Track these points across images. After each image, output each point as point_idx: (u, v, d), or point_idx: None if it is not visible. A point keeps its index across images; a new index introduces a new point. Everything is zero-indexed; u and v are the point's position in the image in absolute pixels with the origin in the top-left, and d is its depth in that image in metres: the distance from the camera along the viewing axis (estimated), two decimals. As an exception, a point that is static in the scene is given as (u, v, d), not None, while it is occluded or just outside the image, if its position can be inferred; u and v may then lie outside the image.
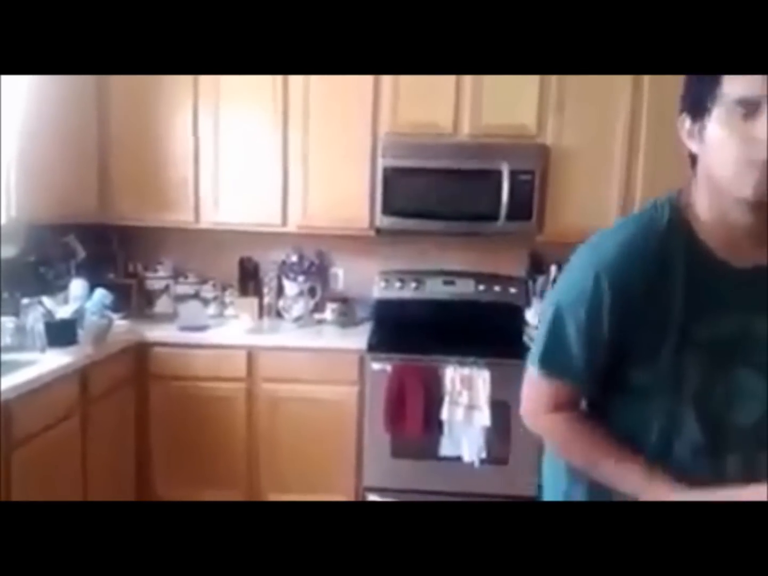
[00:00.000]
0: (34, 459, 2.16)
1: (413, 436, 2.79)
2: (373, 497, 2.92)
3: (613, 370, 1.10)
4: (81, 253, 3.19)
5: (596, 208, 3.10)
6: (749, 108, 0.94)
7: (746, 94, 0.95)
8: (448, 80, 3.05)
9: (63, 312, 2.62)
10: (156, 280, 3.43)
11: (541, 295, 3.27)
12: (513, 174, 2.99)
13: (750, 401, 1.04)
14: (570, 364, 1.11)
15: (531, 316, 3.23)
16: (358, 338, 2.98)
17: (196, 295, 3.45)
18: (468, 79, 3.05)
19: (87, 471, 2.51)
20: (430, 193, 3.04)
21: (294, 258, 3.41)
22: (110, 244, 3.42)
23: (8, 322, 2.53)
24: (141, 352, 2.98)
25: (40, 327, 2.48)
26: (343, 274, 3.53)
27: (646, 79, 3.01)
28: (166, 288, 3.43)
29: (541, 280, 3.31)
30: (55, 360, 2.36)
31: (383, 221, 3.08)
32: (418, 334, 3.06)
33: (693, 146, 1.06)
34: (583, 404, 1.22)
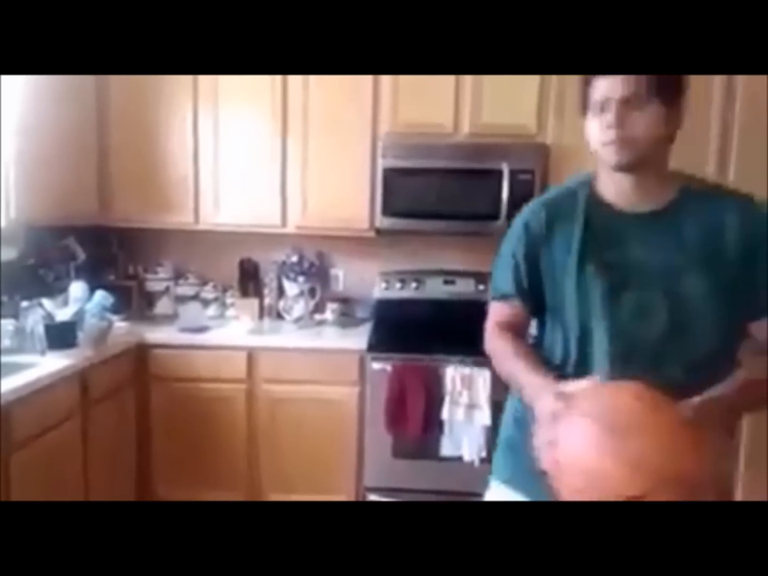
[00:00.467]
0: (35, 461, 2.16)
1: (414, 436, 2.79)
2: (373, 497, 2.91)
3: (536, 295, 1.41)
4: (81, 255, 3.19)
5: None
6: (604, 105, 1.27)
7: (600, 95, 1.29)
8: (448, 80, 3.04)
9: (63, 314, 2.62)
10: (156, 282, 3.43)
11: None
12: (513, 173, 2.99)
13: (647, 318, 1.27)
14: (507, 288, 1.44)
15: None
16: (358, 338, 2.98)
17: (196, 297, 3.45)
18: (468, 79, 3.04)
19: (88, 473, 2.50)
20: (430, 193, 3.03)
21: (294, 259, 3.41)
22: (110, 245, 3.41)
23: (8, 324, 2.53)
24: (141, 353, 2.97)
25: (40, 329, 2.48)
26: (343, 275, 3.53)
27: (646, 77, 3.01)
28: (167, 289, 3.43)
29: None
30: (55, 362, 2.36)
31: (383, 221, 3.08)
32: (418, 333, 3.06)
33: (587, 132, 1.35)
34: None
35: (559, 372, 1.30)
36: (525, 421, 1.34)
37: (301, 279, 3.38)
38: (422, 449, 2.83)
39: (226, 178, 3.21)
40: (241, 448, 3.00)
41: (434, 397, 2.77)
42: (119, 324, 2.95)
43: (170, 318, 3.33)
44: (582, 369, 1.29)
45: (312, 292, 3.38)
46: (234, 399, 2.98)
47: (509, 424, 1.51)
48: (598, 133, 1.29)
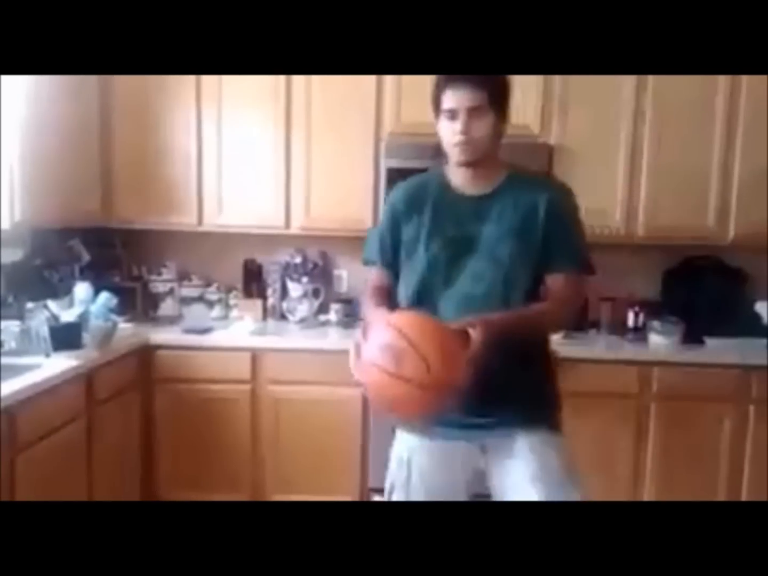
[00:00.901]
0: (40, 462, 2.16)
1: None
2: (378, 498, 2.91)
3: (397, 261, 1.72)
4: (85, 257, 3.19)
5: (600, 208, 3.08)
6: (452, 113, 1.58)
7: (449, 106, 1.59)
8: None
9: (68, 315, 2.62)
10: (160, 283, 3.43)
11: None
12: (516, 174, 2.98)
13: (479, 279, 1.61)
14: (374, 257, 1.80)
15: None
16: (362, 339, 2.97)
17: (200, 298, 3.45)
18: (470, 79, 3.04)
19: (92, 474, 2.51)
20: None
21: (297, 259, 3.41)
22: (114, 247, 3.42)
23: (13, 325, 2.53)
24: (146, 354, 2.98)
25: (45, 331, 2.49)
26: (346, 276, 3.53)
27: (650, 78, 3.01)
28: (171, 291, 3.43)
29: (545, 279, 3.30)
30: (60, 363, 2.36)
31: (387, 222, 3.07)
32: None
33: (439, 132, 1.65)
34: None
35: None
36: None
37: (304, 280, 3.39)
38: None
39: (230, 180, 3.21)
40: (245, 448, 3.01)
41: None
42: (124, 325, 2.95)
43: (174, 319, 3.33)
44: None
45: (316, 293, 3.38)
46: (238, 400, 2.99)
47: None
48: (448, 135, 1.61)
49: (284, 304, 3.41)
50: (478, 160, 1.61)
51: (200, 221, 3.25)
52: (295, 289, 3.39)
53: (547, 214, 1.62)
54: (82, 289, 2.75)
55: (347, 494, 2.96)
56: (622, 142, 3.06)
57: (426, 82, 3.00)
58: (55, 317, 2.58)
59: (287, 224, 3.22)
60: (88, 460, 2.49)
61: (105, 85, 3.15)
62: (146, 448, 3.01)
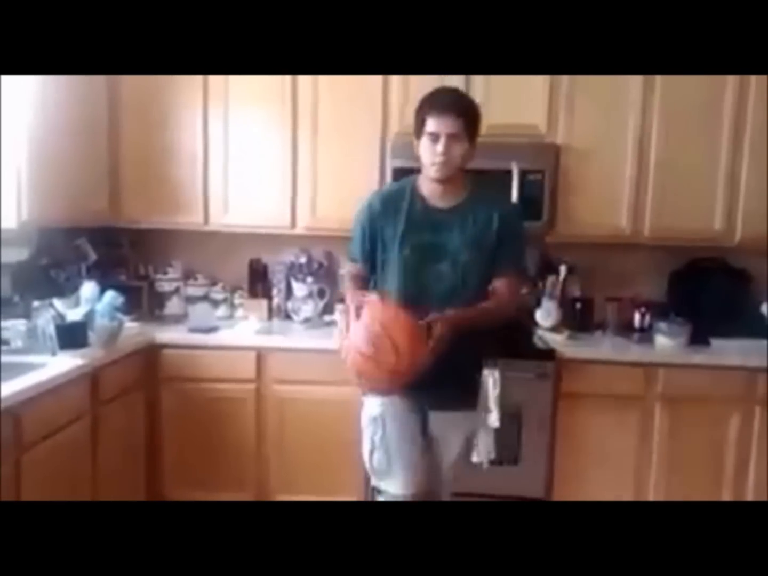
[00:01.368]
0: (45, 461, 2.17)
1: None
2: (382, 498, 2.90)
3: (375, 258, 2.02)
4: (92, 256, 3.20)
5: (607, 208, 3.08)
6: (434, 136, 1.88)
7: (432, 130, 1.88)
8: (457, 80, 3.02)
9: (74, 314, 2.63)
10: (166, 282, 3.44)
11: (551, 294, 3.26)
12: (523, 174, 2.98)
13: (442, 279, 1.94)
14: (357, 254, 2.07)
15: (540, 315, 3.21)
16: (367, 339, 2.97)
17: (205, 297, 3.46)
18: (477, 79, 3.03)
19: (97, 473, 2.51)
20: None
21: (303, 259, 3.41)
22: (121, 246, 3.43)
23: (20, 324, 2.54)
24: (151, 353, 2.99)
25: (51, 329, 2.49)
26: (352, 276, 3.52)
27: (658, 78, 2.99)
28: (177, 290, 3.43)
29: (551, 279, 3.29)
30: (66, 362, 2.37)
31: (392, 222, 3.07)
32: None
33: (417, 151, 1.96)
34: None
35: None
36: None
37: (309, 280, 3.39)
38: (431, 450, 2.82)
39: (236, 180, 3.22)
40: (249, 448, 3.01)
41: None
42: (129, 324, 2.96)
43: (180, 318, 3.34)
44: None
45: (321, 293, 3.38)
46: (243, 399, 2.99)
47: None
48: (429, 155, 1.91)
49: (289, 304, 3.41)
50: (449, 178, 1.93)
51: (206, 221, 3.26)
52: (300, 289, 3.39)
53: (499, 227, 1.95)
54: (88, 288, 2.75)
55: (351, 494, 2.95)
56: (629, 142, 3.05)
57: (433, 82, 3.01)
58: (61, 316, 2.59)
59: (293, 224, 3.22)
60: (94, 459, 2.50)
61: (112, 86, 3.16)
62: (151, 447, 3.01)
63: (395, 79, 3.07)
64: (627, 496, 2.92)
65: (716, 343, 3.03)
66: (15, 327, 2.52)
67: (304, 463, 2.98)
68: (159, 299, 3.43)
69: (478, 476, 2.78)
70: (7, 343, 2.48)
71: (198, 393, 3.00)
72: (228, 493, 2.95)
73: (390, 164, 3.04)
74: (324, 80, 3.10)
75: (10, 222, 2.55)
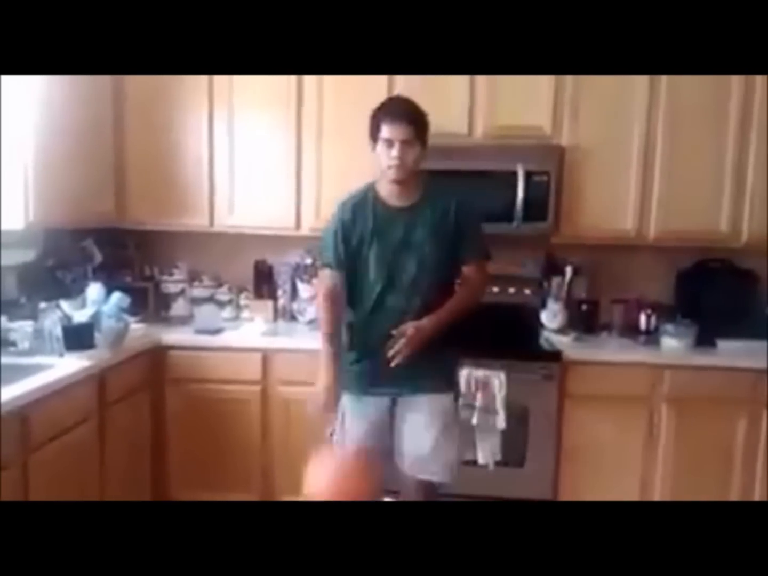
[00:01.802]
0: (52, 462, 2.17)
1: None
2: (388, 499, 2.90)
3: (347, 263, 2.17)
4: (98, 257, 3.22)
5: (612, 209, 3.08)
6: (389, 142, 2.06)
7: (387, 136, 2.06)
8: (462, 81, 3.04)
9: (80, 316, 2.64)
10: (172, 284, 3.45)
11: (557, 296, 3.25)
12: (528, 175, 2.98)
13: (406, 271, 2.12)
14: (330, 260, 2.21)
15: (546, 317, 3.21)
16: (372, 341, 2.97)
17: (211, 298, 3.47)
18: (482, 80, 3.04)
19: (104, 474, 2.52)
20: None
21: (308, 261, 3.41)
22: (127, 248, 3.44)
23: (26, 326, 2.55)
24: (157, 355, 2.99)
25: (58, 331, 2.50)
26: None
27: (663, 79, 2.99)
28: (182, 291, 3.44)
29: (556, 281, 3.29)
30: (72, 364, 2.38)
31: (397, 223, 3.07)
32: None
33: (375, 154, 2.13)
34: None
35: (360, 302, 2.18)
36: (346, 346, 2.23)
37: (314, 281, 3.39)
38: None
39: (241, 181, 3.23)
40: (255, 449, 3.01)
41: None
42: (135, 325, 2.97)
43: (186, 319, 3.35)
44: (373, 304, 2.15)
45: (326, 294, 3.38)
46: (249, 400, 3.00)
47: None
48: (385, 158, 2.08)
49: (294, 305, 3.41)
50: (405, 179, 2.10)
51: (212, 222, 3.27)
52: (305, 290, 3.39)
53: (457, 217, 2.14)
54: (94, 290, 2.76)
55: (357, 495, 2.95)
56: (634, 143, 3.04)
57: (437, 82, 3.02)
58: (67, 317, 2.60)
59: (298, 225, 3.23)
60: (100, 459, 2.50)
61: (118, 88, 3.17)
62: (157, 448, 3.02)
63: (400, 81, 3.06)
64: (633, 498, 2.90)
65: (723, 344, 3.02)
66: (22, 328, 2.53)
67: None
68: (165, 301, 3.44)
69: (484, 478, 2.79)
70: (14, 344, 2.49)
71: (204, 394, 3.00)
72: (233, 493, 2.95)
73: (395, 165, 3.04)
74: (329, 82, 3.10)
75: (16, 223, 2.56)
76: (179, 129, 3.22)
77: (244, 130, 3.19)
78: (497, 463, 2.76)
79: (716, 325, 3.07)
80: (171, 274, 3.47)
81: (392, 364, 2.07)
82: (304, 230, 3.23)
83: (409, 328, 2.06)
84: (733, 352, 2.95)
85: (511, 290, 3.29)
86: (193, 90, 3.17)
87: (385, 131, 2.06)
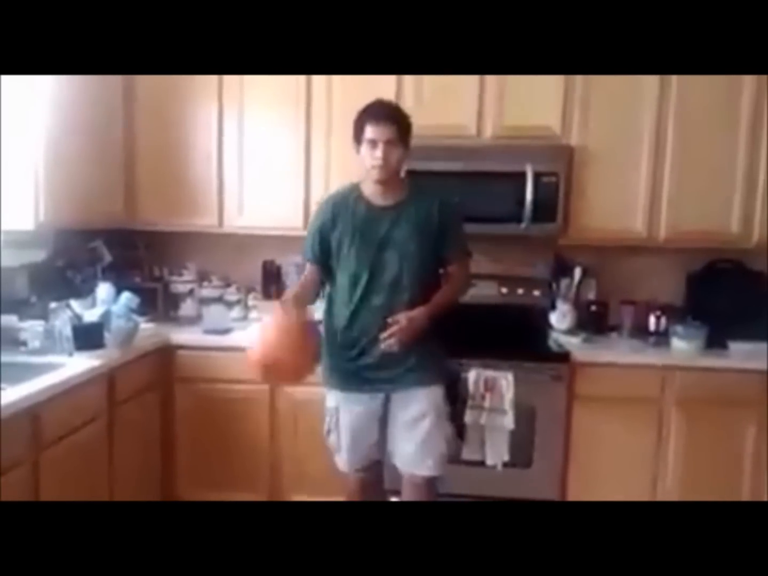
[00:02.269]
0: (62, 461, 2.19)
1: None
2: (394, 499, 2.90)
3: (327, 259, 2.27)
4: (108, 258, 3.23)
5: (622, 210, 3.06)
6: (373, 143, 2.11)
7: (371, 137, 2.11)
8: (471, 81, 3.03)
9: (90, 315, 2.65)
10: (181, 284, 3.46)
11: (566, 297, 3.24)
12: (537, 176, 2.97)
13: (389, 268, 2.18)
14: (310, 255, 2.32)
15: (555, 318, 3.19)
16: (380, 341, 2.97)
17: (220, 299, 3.47)
18: (491, 80, 3.03)
19: (113, 472, 2.53)
20: (453, 196, 3.02)
21: (317, 261, 3.42)
22: (136, 248, 3.46)
23: (37, 325, 2.57)
24: (166, 354, 3.01)
25: (68, 330, 2.52)
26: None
27: (674, 78, 2.97)
28: (191, 291, 3.46)
29: (565, 282, 3.28)
30: (82, 363, 2.39)
31: (406, 224, 3.07)
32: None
33: (360, 155, 2.17)
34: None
35: (344, 300, 2.22)
36: (325, 337, 2.29)
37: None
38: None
39: (250, 182, 3.24)
40: (263, 448, 3.02)
41: (456, 400, 2.75)
42: (145, 325, 2.98)
43: (194, 320, 3.36)
44: (357, 301, 2.19)
45: (334, 295, 3.38)
46: (257, 400, 3.00)
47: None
48: (369, 159, 2.13)
49: (303, 306, 3.41)
50: (389, 179, 2.16)
51: (221, 223, 3.28)
52: (313, 290, 3.39)
53: (440, 216, 2.21)
54: (104, 290, 2.78)
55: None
56: (644, 144, 3.03)
57: (446, 83, 3.02)
58: (77, 317, 2.61)
59: (306, 226, 3.22)
60: (110, 458, 2.52)
61: (128, 88, 3.19)
62: (166, 447, 3.03)
63: (408, 80, 3.07)
64: (643, 498, 2.89)
65: (733, 346, 3.00)
66: (33, 328, 2.55)
67: (317, 463, 2.97)
68: (173, 301, 3.45)
69: (492, 479, 2.78)
70: (25, 343, 2.51)
71: (212, 394, 3.01)
72: (242, 492, 2.96)
73: (403, 166, 3.03)
74: (337, 82, 3.10)
75: (27, 223, 2.58)
76: (188, 129, 3.23)
77: (254, 130, 3.20)
78: (505, 464, 2.75)
79: (727, 327, 3.05)
80: (180, 275, 3.48)
81: (386, 347, 2.12)
82: (313, 231, 3.23)
83: (402, 317, 2.12)
84: (744, 354, 2.93)
85: (520, 291, 3.29)
86: (202, 90, 3.18)
87: (369, 132, 2.12)
